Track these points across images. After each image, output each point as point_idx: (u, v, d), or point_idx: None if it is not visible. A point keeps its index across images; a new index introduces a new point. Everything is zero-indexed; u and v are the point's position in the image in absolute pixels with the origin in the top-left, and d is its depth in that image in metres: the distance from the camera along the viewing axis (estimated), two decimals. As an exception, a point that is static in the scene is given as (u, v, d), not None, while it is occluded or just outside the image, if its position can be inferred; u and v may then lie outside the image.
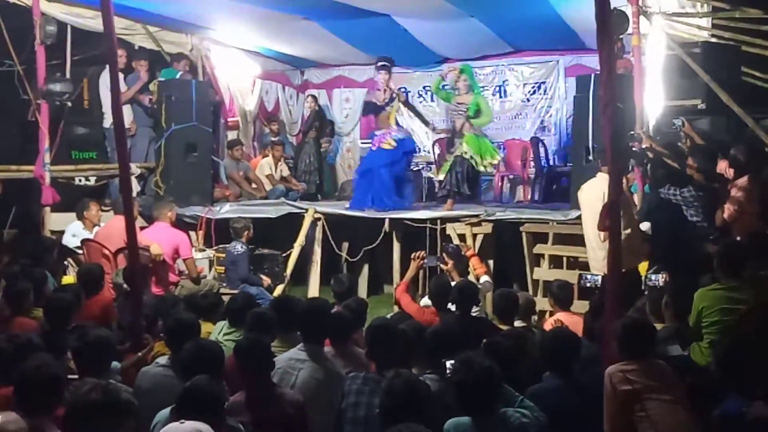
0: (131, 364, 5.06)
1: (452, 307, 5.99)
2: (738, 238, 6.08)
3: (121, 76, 9.39)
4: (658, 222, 7.20)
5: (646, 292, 6.25)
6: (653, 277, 6.17)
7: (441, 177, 9.82)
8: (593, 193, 6.67)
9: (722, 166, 6.89)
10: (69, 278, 7.55)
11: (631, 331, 4.20)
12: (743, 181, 6.61)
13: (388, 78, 9.92)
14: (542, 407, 3.89)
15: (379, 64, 9.97)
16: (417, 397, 3.55)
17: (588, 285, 6.16)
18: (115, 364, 4.81)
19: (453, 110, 9.92)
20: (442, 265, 7.66)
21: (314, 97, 12.50)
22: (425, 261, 7.65)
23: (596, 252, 6.98)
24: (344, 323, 4.99)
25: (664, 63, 8.13)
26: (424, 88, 12.51)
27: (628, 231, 6.49)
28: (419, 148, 12.18)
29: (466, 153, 9.42)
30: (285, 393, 4.18)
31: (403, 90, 10.21)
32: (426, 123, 11.32)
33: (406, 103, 10.17)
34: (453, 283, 6.41)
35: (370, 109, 10.29)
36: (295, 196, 10.94)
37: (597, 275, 6.27)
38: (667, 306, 5.24)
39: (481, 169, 9.62)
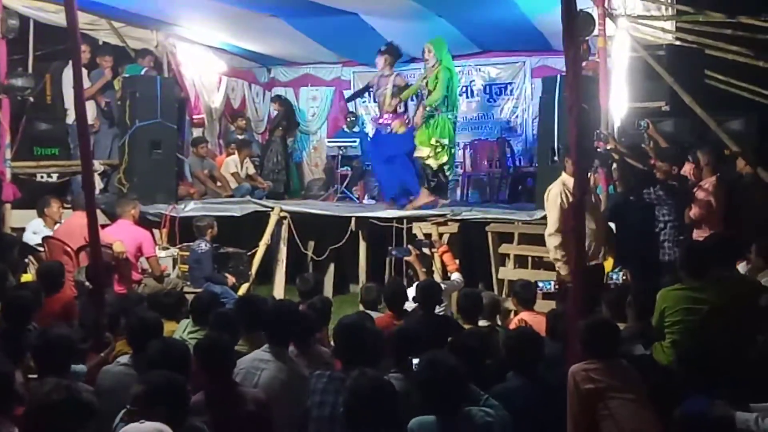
0: (94, 365, 4.99)
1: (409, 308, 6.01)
2: (701, 239, 6.17)
3: (85, 72, 9.35)
4: (623, 222, 7.25)
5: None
6: (614, 276, 6.23)
7: None
8: (551, 193, 6.70)
9: (687, 168, 6.98)
10: (29, 276, 7.43)
11: (594, 330, 4.23)
12: (711, 181, 6.70)
13: (384, 64, 9.77)
14: (506, 406, 3.88)
15: (380, 49, 9.83)
16: (381, 396, 3.53)
17: (541, 291, 6.20)
18: (81, 367, 4.75)
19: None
20: (406, 257, 7.66)
21: (280, 99, 12.46)
22: (393, 252, 7.69)
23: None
24: (308, 324, 4.96)
25: (629, 65, 8.22)
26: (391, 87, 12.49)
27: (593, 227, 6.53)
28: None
29: (422, 157, 9.32)
30: (247, 392, 4.15)
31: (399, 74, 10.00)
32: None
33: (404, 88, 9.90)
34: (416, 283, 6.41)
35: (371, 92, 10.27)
36: (261, 194, 10.89)
37: (549, 281, 6.32)
38: (629, 305, 5.28)
39: (431, 163, 9.32)
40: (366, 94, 11.06)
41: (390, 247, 7.85)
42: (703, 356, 4.18)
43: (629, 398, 4.00)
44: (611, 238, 7.06)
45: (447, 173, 9.65)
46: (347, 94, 12.68)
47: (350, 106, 12.29)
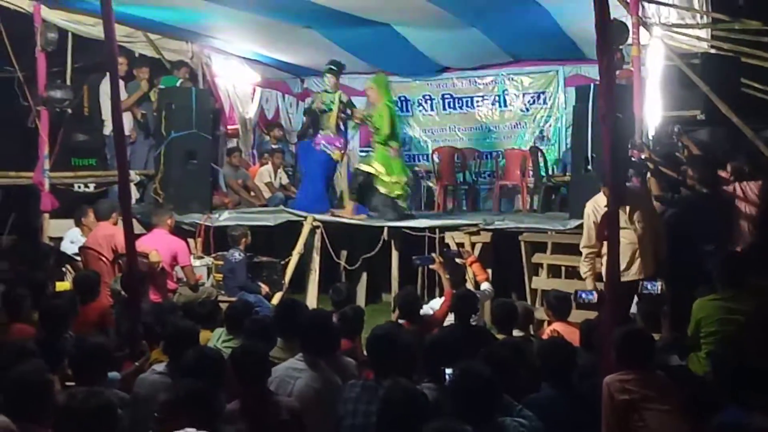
0: (130, 373, 5.04)
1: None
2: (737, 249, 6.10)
3: (122, 83, 9.46)
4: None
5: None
6: (650, 285, 6.17)
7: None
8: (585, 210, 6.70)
9: (723, 176, 6.91)
10: (66, 285, 7.53)
11: (629, 340, 4.20)
12: (757, 185, 6.63)
13: (335, 81, 9.99)
14: (540, 417, 3.87)
15: (327, 67, 10.01)
16: (414, 406, 3.54)
17: (582, 301, 6.16)
18: (115, 375, 4.81)
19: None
20: (430, 265, 7.67)
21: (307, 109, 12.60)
22: (417, 261, 7.70)
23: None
24: (335, 335, 4.97)
25: (663, 73, 8.14)
26: (423, 96, 12.54)
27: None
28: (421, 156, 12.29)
29: (373, 169, 9.44)
30: (281, 400, 4.17)
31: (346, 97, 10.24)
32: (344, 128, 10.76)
33: (348, 105, 10.14)
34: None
35: (310, 115, 10.42)
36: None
37: (592, 292, 6.27)
38: (665, 315, 5.24)
39: (384, 190, 9.41)
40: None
41: (414, 256, 7.84)
42: (740, 367, 4.13)
43: (664, 409, 3.97)
44: (661, 254, 6.71)
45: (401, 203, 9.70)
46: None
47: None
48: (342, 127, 10.14)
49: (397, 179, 9.44)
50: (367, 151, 11.78)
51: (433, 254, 7.80)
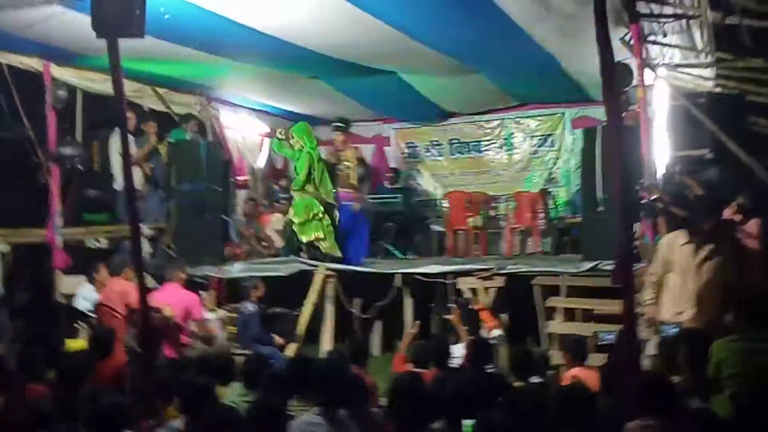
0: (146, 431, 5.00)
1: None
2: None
3: (131, 138, 9.54)
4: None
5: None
6: (667, 328, 6.12)
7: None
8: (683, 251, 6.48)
9: (728, 213, 6.88)
10: (80, 342, 7.51)
11: (650, 386, 4.15)
12: (756, 223, 6.60)
13: (344, 139, 10.08)
14: (562, 466, 3.82)
15: (334, 125, 10.15)
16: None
17: (603, 343, 6.09)
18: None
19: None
20: (447, 317, 7.65)
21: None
22: (435, 310, 7.70)
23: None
24: (361, 387, 4.93)
25: (669, 113, 8.17)
26: (431, 142, 12.60)
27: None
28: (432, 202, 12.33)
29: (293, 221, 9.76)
30: (300, 456, 4.13)
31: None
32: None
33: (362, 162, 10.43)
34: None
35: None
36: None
37: (611, 333, 6.21)
38: (684, 358, 5.17)
39: (304, 237, 9.73)
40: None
41: (431, 305, 7.85)
42: (764, 408, 4.08)
43: None
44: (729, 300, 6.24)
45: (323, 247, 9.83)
46: (387, 150, 12.84)
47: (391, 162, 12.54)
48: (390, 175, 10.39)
49: (307, 218, 9.66)
50: (376, 197, 11.81)
51: (450, 305, 7.77)
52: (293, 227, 9.82)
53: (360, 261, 9.86)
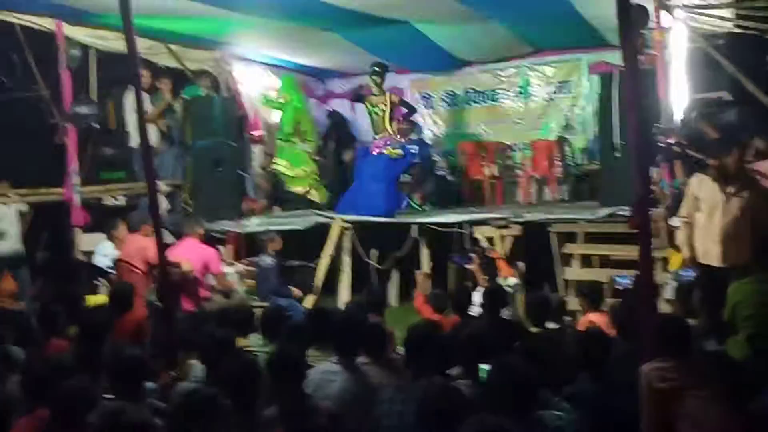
0: (167, 383, 5.08)
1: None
2: None
3: (145, 96, 9.55)
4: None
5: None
6: (683, 273, 6.11)
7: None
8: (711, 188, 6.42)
9: (747, 155, 6.81)
10: (101, 298, 7.61)
11: (666, 328, 4.15)
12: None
13: (381, 81, 9.98)
14: (578, 408, 3.85)
15: (372, 69, 10.03)
16: (451, 403, 3.53)
17: (620, 288, 6.10)
18: (151, 385, 4.85)
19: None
20: (467, 265, 7.66)
21: (329, 113, 12.71)
22: (455, 259, 7.70)
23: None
24: (380, 334, 4.97)
25: (687, 56, 8.07)
26: (446, 92, 12.50)
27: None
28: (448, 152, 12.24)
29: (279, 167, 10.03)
30: (319, 404, 4.18)
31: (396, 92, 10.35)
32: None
33: (401, 104, 10.18)
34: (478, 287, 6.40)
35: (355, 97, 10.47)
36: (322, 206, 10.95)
37: (628, 277, 6.21)
38: (700, 301, 5.17)
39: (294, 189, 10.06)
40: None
41: (452, 255, 7.86)
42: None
43: (704, 396, 3.91)
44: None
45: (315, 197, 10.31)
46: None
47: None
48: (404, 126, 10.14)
49: (301, 172, 9.88)
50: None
51: (471, 254, 7.78)
52: (281, 176, 10.09)
53: (391, 211, 9.61)
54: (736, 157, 6.23)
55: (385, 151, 9.75)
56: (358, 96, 10.33)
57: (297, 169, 9.98)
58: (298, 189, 9.92)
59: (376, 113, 9.93)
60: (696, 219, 6.35)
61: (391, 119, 9.94)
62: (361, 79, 12.75)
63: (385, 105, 9.87)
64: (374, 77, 9.97)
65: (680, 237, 6.55)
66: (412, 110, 10.45)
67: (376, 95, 9.99)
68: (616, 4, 4.46)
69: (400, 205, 9.86)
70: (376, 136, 9.93)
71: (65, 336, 5.73)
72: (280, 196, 10.25)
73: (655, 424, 3.95)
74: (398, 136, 9.91)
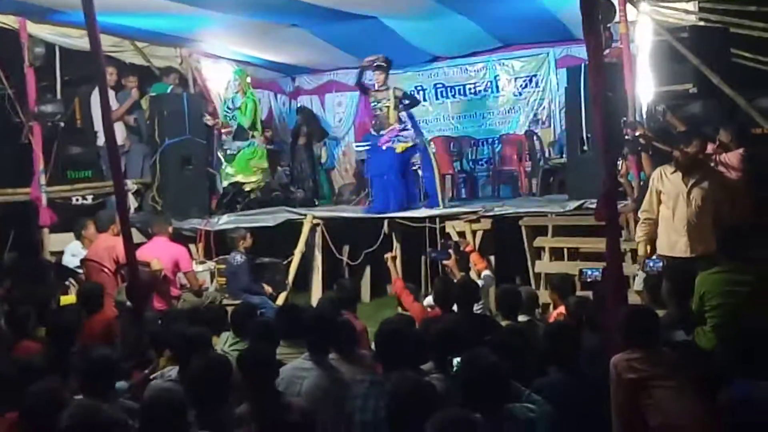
0: (138, 382, 5.05)
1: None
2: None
3: (112, 93, 9.46)
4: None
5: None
6: (651, 263, 6.16)
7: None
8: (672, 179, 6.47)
9: (710, 148, 6.89)
10: (70, 298, 7.54)
11: (635, 319, 4.19)
12: (736, 155, 6.62)
13: (385, 77, 9.81)
14: (549, 400, 3.87)
15: (375, 64, 9.82)
16: (423, 398, 3.54)
17: (589, 279, 6.14)
18: (123, 384, 4.82)
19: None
20: (444, 261, 7.68)
21: (300, 108, 12.65)
22: (432, 255, 7.71)
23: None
24: (349, 331, 4.98)
25: (652, 49, 8.13)
26: (415, 87, 12.49)
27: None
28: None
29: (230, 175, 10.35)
30: (291, 401, 4.17)
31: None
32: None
33: (404, 97, 9.98)
34: (455, 281, 6.41)
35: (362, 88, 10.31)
36: (293, 203, 10.91)
37: (597, 269, 6.25)
38: (668, 292, 5.23)
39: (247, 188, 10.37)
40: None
41: (429, 249, 7.86)
42: (746, 339, 4.12)
43: (673, 386, 3.96)
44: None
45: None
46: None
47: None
48: (404, 119, 9.94)
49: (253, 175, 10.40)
50: (360, 145, 11.73)
51: (450, 250, 7.79)
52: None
53: (397, 207, 9.49)
54: (697, 148, 6.28)
55: (394, 146, 9.63)
56: (363, 87, 10.17)
57: (248, 172, 10.25)
58: (252, 186, 10.12)
59: (380, 109, 9.79)
60: (661, 212, 6.40)
61: (395, 114, 9.75)
62: (330, 75, 12.82)
63: (389, 100, 9.73)
64: (378, 72, 9.78)
65: (639, 233, 6.60)
66: (415, 102, 10.26)
67: (380, 90, 9.82)
68: (580, -2, 4.50)
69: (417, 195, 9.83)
70: (382, 132, 9.79)
71: (35, 338, 5.68)
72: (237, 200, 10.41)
73: (624, 415, 4.00)
74: (400, 127, 9.77)
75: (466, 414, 3.22)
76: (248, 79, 10.59)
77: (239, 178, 10.45)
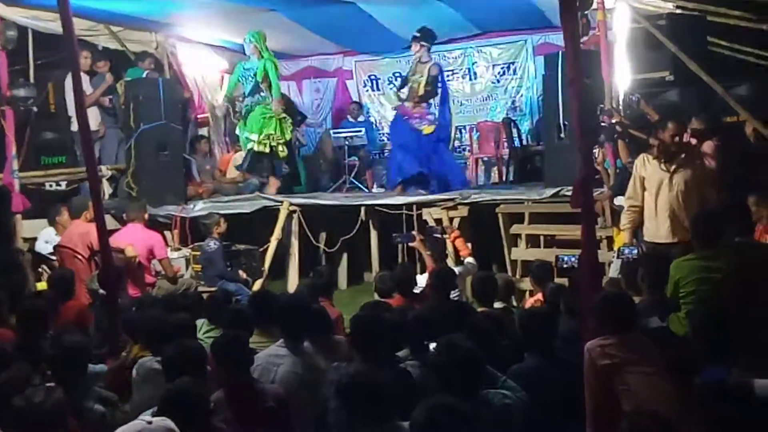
0: (113, 369, 5.01)
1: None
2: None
3: (86, 78, 9.36)
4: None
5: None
6: (626, 250, 6.17)
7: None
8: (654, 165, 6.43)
9: (685, 136, 6.91)
10: (43, 285, 7.46)
11: (610, 304, 4.19)
12: (710, 145, 6.64)
13: (419, 49, 9.64)
14: (524, 387, 3.88)
15: (413, 35, 9.70)
16: (398, 384, 3.53)
17: (565, 266, 6.16)
18: (101, 367, 4.79)
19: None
20: (410, 243, 7.69)
21: None
22: (397, 239, 7.73)
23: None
24: (324, 318, 4.96)
25: (630, 36, 8.15)
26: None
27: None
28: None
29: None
30: (266, 387, 4.16)
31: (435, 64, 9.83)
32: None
33: (436, 79, 9.71)
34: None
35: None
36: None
37: (573, 256, 6.27)
38: (643, 278, 5.24)
39: (259, 148, 9.97)
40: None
41: (394, 234, 7.87)
42: (719, 325, 4.14)
43: (647, 371, 3.96)
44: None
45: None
46: (349, 84, 12.71)
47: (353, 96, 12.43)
48: (430, 100, 9.83)
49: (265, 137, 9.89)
50: (339, 132, 11.70)
51: (413, 232, 7.81)
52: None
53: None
54: (672, 132, 6.28)
55: (420, 128, 9.55)
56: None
57: (261, 135, 9.91)
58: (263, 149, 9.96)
59: (416, 81, 9.62)
60: (645, 198, 6.40)
61: (425, 92, 9.60)
62: (307, 61, 12.73)
63: (422, 75, 9.56)
64: (414, 42, 9.64)
65: (623, 220, 6.60)
66: (435, 89, 9.85)
67: (421, 62, 9.65)
68: (557, -17, 4.48)
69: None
70: (406, 103, 9.71)
71: (8, 324, 5.61)
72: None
73: (599, 401, 3.99)
74: (421, 107, 9.66)
75: (454, 402, 3.21)
76: (266, 43, 10.10)
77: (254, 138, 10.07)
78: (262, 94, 10.06)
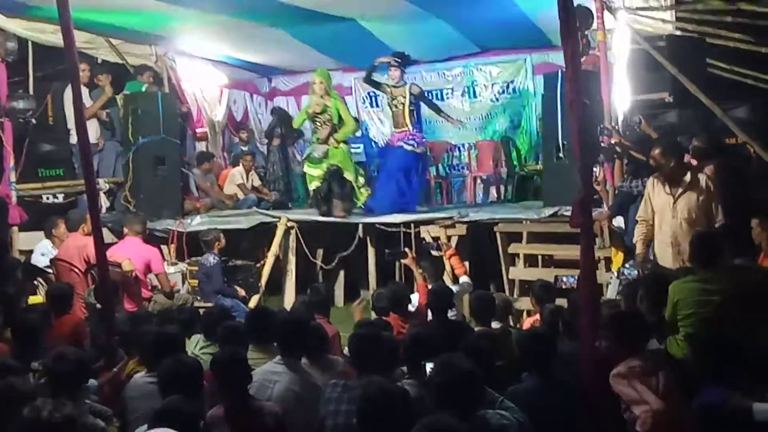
0: (105, 382, 4.98)
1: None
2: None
3: (85, 90, 9.35)
4: (629, 216, 7.20)
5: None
6: (626, 271, 6.16)
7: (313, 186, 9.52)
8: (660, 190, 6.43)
9: (685, 158, 6.92)
10: (38, 298, 7.43)
11: (626, 323, 4.24)
12: (710, 167, 6.64)
13: (400, 73, 9.55)
14: (522, 407, 3.85)
15: (393, 61, 9.57)
16: (395, 403, 3.49)
17: (564, 286, 6.14)
18: (93, 382, 4.75)
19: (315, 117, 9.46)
20: (402, 260, 7.67)
21: (275, 109, 12.45)
22: (390, 256, 7.71)
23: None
24: (320, 335, 4.94)
25: (630, 57, 8.16)
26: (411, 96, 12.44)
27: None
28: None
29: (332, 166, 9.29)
30: (263, 405, 4.13)
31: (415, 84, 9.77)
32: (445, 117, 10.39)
33: (421, 96, 9.71)
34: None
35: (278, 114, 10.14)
36: (267, 205, 10.83)
37: (572, 276, 6.25)
38: (642, 299, 5.22)
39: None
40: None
41: (387, 250, 7.84)
42: (718, 348, 4.13)
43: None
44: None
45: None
46: (348, 100, 12.69)
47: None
48: (416, 120, 9.67)
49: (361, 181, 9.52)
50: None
51: (406, 249, 7.78)
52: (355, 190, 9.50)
53: (387, 210, 9.32)
54: (674, 161, 6.29)
55: (406, 147, 9.43)
56: (374, 83, 9.85)
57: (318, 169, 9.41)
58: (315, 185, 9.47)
59: (396, 106, 9.53)
60: (654, 220, 6.40)
61: (410, 112, 9.48)
62: (307, 77, 12.73)
63: (404, 97, 9.47)
64: (393, 68, 9.49)
65: (636, 233, 6.55)
66: (432, 106, 9.95)
67: (396, 86, 9.54)
68: (558, 5, 4.48)
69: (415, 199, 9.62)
70: (395, 130, 9.62)
71: (2, 338, 5.58)
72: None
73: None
74: (414, 131, 9.53)
75: (452, 422, 3.18)
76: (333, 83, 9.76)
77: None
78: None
